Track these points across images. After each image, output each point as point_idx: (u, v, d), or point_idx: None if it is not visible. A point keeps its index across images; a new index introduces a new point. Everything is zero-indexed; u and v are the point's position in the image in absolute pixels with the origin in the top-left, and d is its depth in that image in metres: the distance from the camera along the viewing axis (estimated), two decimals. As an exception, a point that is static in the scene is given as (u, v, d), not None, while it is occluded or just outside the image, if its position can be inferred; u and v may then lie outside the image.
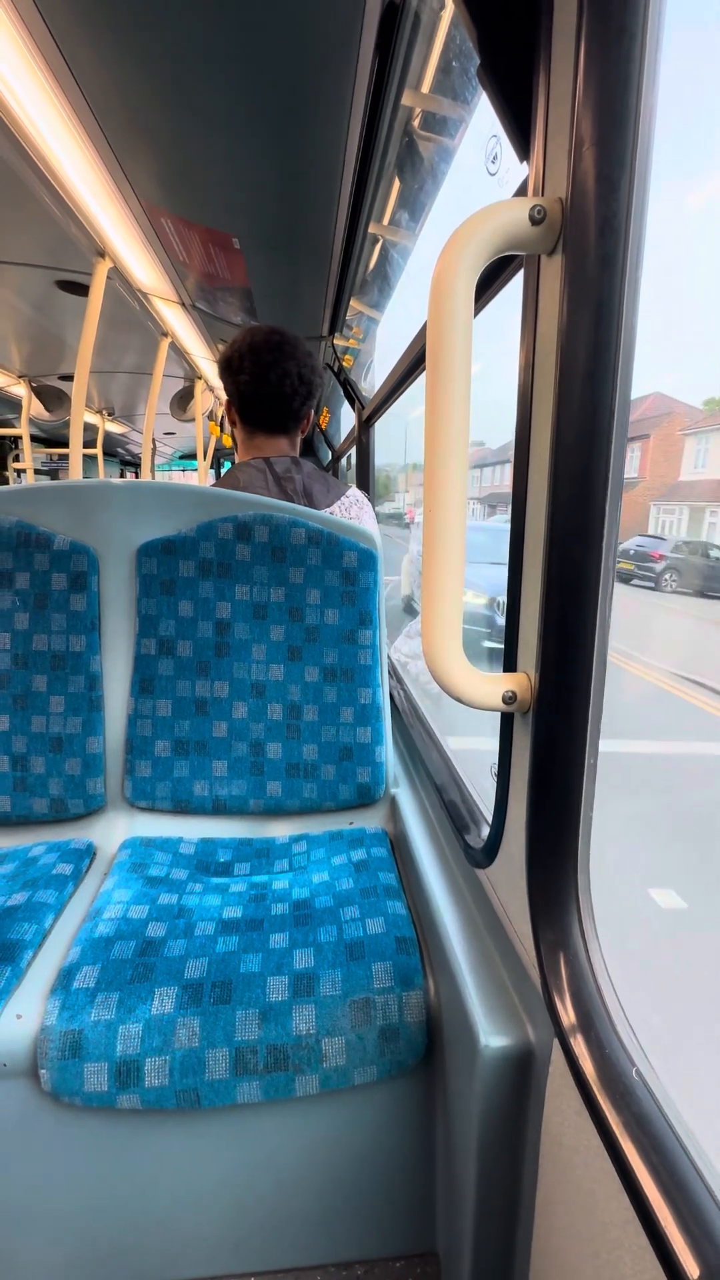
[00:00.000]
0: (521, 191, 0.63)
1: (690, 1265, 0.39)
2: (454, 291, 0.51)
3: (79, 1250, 0.81)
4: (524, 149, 0.57)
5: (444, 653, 0.59)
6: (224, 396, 1.34)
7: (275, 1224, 0.83)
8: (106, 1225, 0.81)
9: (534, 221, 0.51)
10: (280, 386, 1.25)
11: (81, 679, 1.13)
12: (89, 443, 6.08)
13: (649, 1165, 0.44)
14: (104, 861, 1.09)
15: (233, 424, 1.35)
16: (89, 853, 1.08)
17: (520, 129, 0.57)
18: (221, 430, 5.54)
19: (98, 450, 5.99)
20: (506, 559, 0.64)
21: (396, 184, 1.48)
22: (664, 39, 0.45)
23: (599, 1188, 0.49)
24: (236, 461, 1.36)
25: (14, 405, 5.07)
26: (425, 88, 1.10)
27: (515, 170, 0.62)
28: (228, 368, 1.28)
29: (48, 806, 1.12)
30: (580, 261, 0.49)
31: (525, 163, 0.57)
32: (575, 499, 0.53)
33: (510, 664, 0.65)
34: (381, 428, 2.44)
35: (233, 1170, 0.81)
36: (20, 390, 4.45)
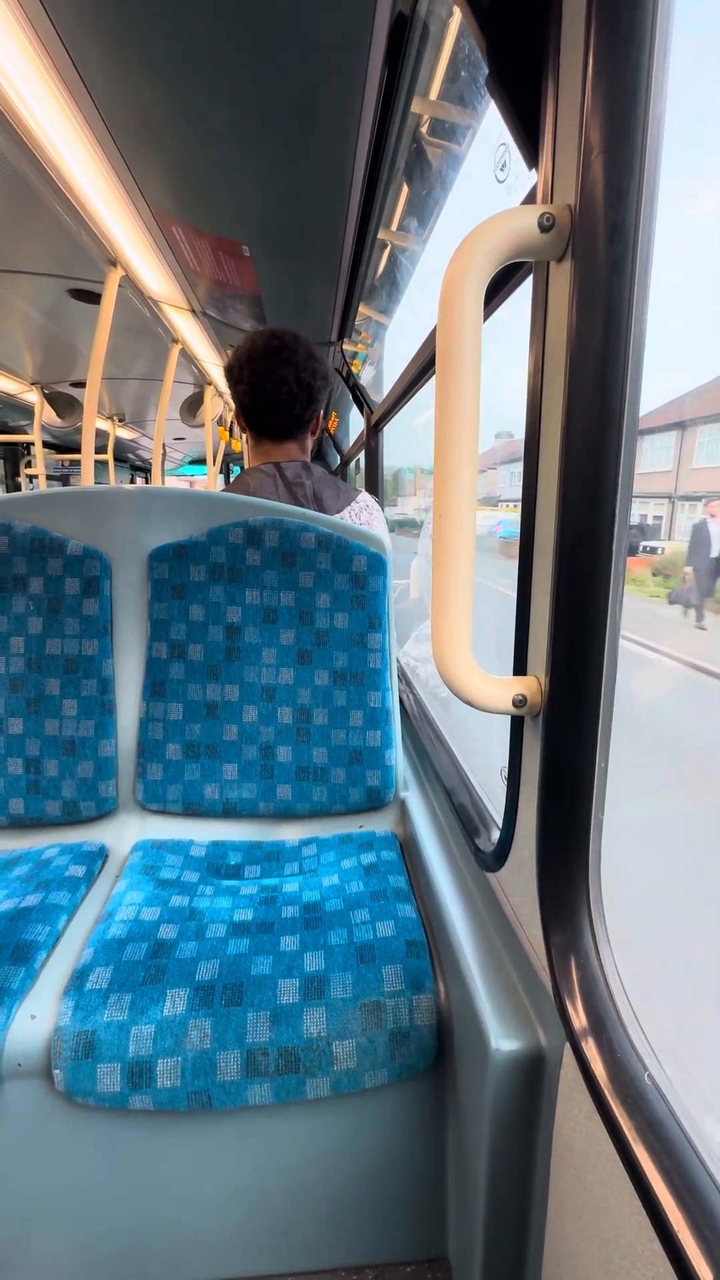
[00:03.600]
0: (530, 199, 0.63)
1: (704, 1271, 0.38)
2: (463, 298, 0.52)
3: (90, 1250, 0.82)
4: (533, 157, 0.57)
5: (454, 656, 0.59)
6: (233, 403, 1.34)
7: (285, 1227, 0.83)
8: (117, 1226, 0.81)
9: (543, 229, 0.51)
10: (276, 394, 1.24)
11: (94, 682, 1.14)
12: (100, 448, 6.14)
13: (662, 1170, 0.44)
14: (116, 864, 1.10)
15: (243, 430, 1.35)
16: (101, 855, 1.09)
17: (529, 137, 0.57)
18: (231, 435, 5.57)
19: (109, 456, 6.05)
20: None
21: (405, 190, 1.49)
22: (672, 48, 0.45)
23: (611, 1192, 0.49)
24: (246, 467, 1.37)
25: (27, 412, 5.13)
26: (434, 96, 1.11)
27: (524, 178, 0.63)
28: (230, 376, 1.28)
29: (60, 809, 1.13)
30: (589, 268, 0.49)
31: (534, 170, 0.58)
32: (585, 503, 0.53)
33: (520, 667, 0.65)
34: (397, 425, 2.43)
35: (243, 1172, 0.81)
36: (33, 397, 4.51)
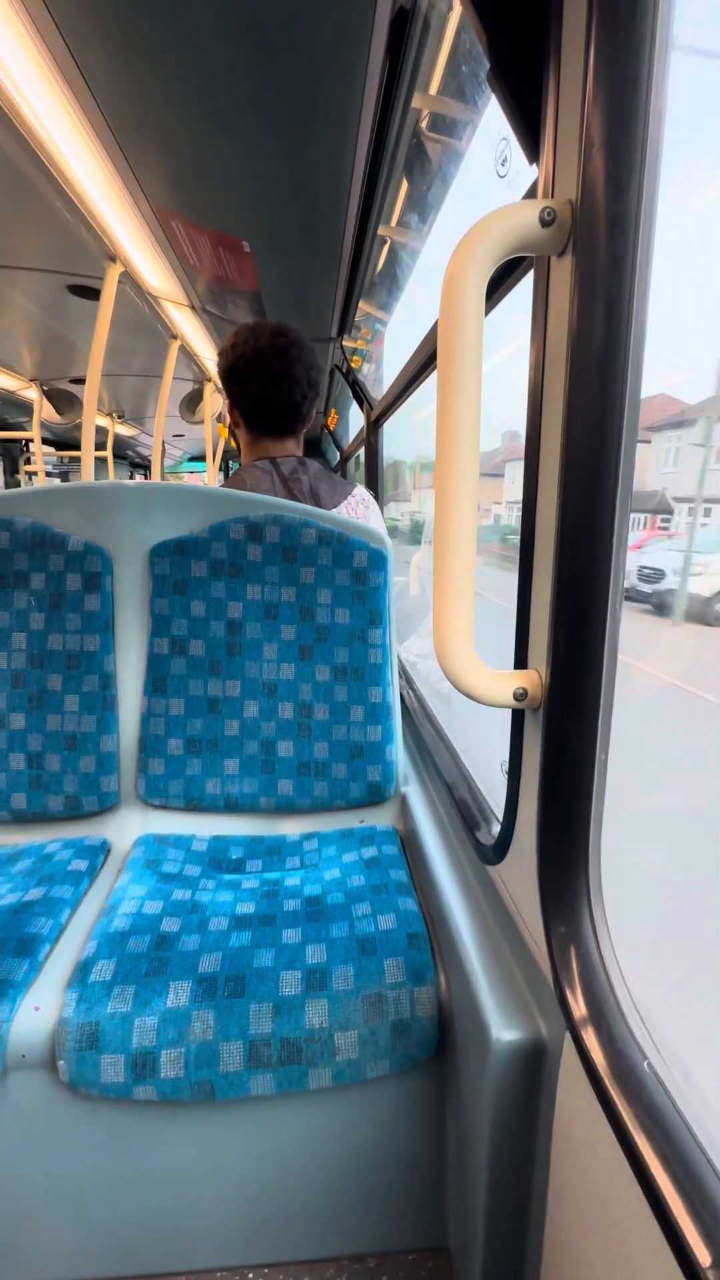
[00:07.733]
0: (531, 194, 0.63)
1: (702, 1254, 0.39)
2: (465, 292, 0.52)
3: (95, 1240, 0.82)
4: (534, 152, 0.58)
5: (455, 650, 0.60)
6: (232, 400, 1.32)
7: (288, 1216, 0.84)
8: (121, 1215, 0.82)
9: (544, 223, 0.51)
10: (291, 395, 1.24)
11: (96, 678, 1.14)
12: (99, 445, 6.12)
13: (661, 1157, 0.44)
14: (118, 858, 1.10)
15: (236, 426, 1.33)
16: (103, 849, 1.09)
17: (530, 132, 0.57)
18: (230, 434, 5.53)
19: (108, 453, 6.04)
20: None
21: (405, 186, 1.49)
22: (673, 42, 0.45)
23: (611, 1180, 0.49)
24: (242, 463, 1.36)
25: (25, 409, 5.11)
26: (435, 90, 1.11)
27: (525, 173, 0.63)
28: (233, 375, 1.25)
29: (63, 804, 1.14)
30: (590, 263, 0.49)
31: (535, 165, 0.58)
32: (586, 496, 0.53)
33: (521, 661, 0.66)
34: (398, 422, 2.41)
35: (246, 1162, 0.82)
36: (32, 394, 4.50)
